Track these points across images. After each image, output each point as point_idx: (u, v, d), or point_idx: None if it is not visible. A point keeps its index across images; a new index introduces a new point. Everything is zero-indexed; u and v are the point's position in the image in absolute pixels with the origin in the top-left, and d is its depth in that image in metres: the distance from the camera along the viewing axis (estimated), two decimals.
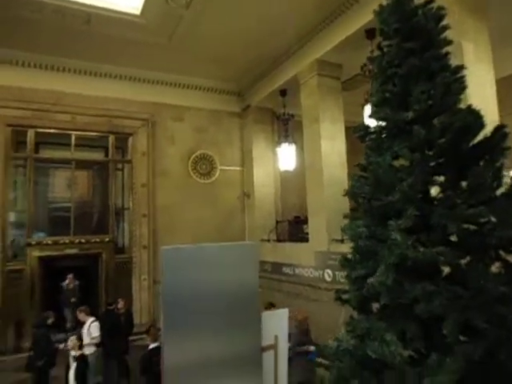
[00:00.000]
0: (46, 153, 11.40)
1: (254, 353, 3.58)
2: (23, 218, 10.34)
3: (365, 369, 2.58)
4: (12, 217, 10.14)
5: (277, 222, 11.43)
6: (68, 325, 9.39)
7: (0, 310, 9.01)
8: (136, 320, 9.42)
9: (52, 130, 10.25)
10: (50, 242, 9.80)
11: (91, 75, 10.30)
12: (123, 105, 10.65)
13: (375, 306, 2.81)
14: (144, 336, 5.01)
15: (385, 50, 3.25)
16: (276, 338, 3.94)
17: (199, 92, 11.68)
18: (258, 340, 3.64)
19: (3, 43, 8.96)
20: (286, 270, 9.50)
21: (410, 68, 2.94)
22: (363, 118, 7.12)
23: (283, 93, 10.70)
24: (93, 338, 5.94)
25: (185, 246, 3.88)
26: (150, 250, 10.58)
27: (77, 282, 9.89)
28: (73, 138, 10.46)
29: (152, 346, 4.63)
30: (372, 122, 3.32)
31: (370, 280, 2.62)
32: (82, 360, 4.83)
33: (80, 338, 5.67)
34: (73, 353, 5.08)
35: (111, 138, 10.94)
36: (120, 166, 12.04)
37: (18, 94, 9.54)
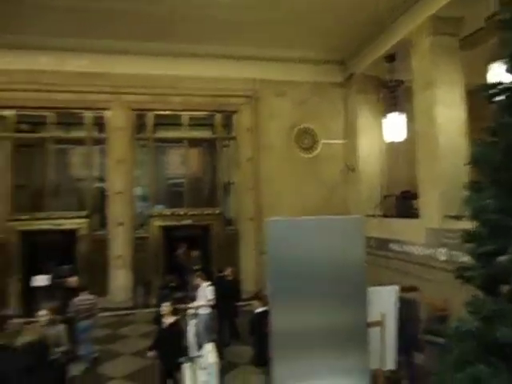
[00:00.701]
0: (163, 133, 12.57)
1: (358, 328, 3.54)
2: (146, 192, 11.72)
3: (491, 353, 2.35)
4: (138, 191, 11.54)
5: (383, 197, 10.87)
6: (188, 287, 10.40)
7: (132, 271, 10.49)
8: (244, 287, 10.04)
9: (167, 112, 11.22)
10: (168, 213, 10.94)
11: (202, 57, 10.87)
12: (228, 83, 11.08)
13: (505, 287, 2.51)
14: (251, 302, 5.30)
15: None
16: (383, 315, 3.83)
17: (301, 65, 11.49)
18: (364, 315, 3.58)
19: (133, 37, 9.94)
20: (392, 246, 9.05)
21: None
22: (486, 80, 6.21)
23: (391, 58, 9.89)
24: (208, 300, 6.55)
25: (289, 218, 3.97)
26: (256, 222, 11.05)
27: (197, 252, 10.72)
28: (185, 118, 11.31)
29: (260, 309, 4.91)
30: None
31: (501, 258, 2.33)
32: (173, 326, 4.99)
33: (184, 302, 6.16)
34: (192, 311, 5.69)
35: (217, 117, 11.54)
36: (227, 142, 12.67)
37: (142, 81, 10.59)
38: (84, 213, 10.66)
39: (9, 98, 10.18)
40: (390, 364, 3.91)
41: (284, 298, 3.44)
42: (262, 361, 4.30)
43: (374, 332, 3.73)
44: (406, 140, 9.72)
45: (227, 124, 12.36)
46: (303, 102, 11.64)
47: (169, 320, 5.12)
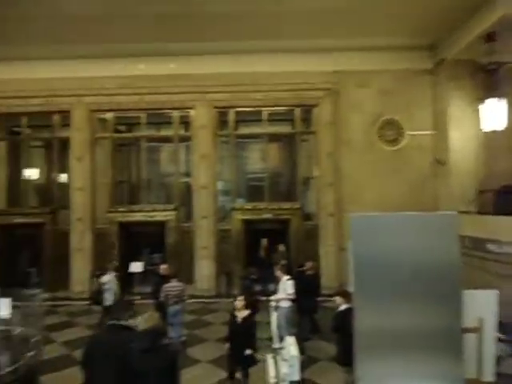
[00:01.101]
0: (243, 129, 12.93)
1: (453, 332, 3.30)
2: (228, 186, 12.22)
3: None
4: (220, 185, 12.05)
5: (478, 192, 9.90)
6: (267, 280, 10.60)
7: (215, 262, 11.03)
8: (324, 283, 9.94)
9: (248, 109, 11.52)
10: (249, 207, 11.25)
11: (280, 53, 10.94)
12: (307, 77, 10.99)
13: None
14: (333, 298, 5.21)
15: None
16: (481, 320, 3.52)
17: (384, 53, 10.92)
18: (459, 319, 3.33)
19: (214, 38, 10.39)
20: (490, 247, 8.21)
21: None
22: None
23: (490, 37, 8.91)
24: (288, 294, 6.63)
25: (374, 213, 3.81)
26: (336, 217, 10.85)
27: (282, 247, 10.73)
28: (265, 113, 11.50)
29: (344, 306, 4.81)
30: None
31: None
32: (246, 320, 5.03)
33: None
34: (273, 304, 5.82)
35: (297, 111, 11.52)
36: (306, 136, 12.60)
37: (223, 79, 11.03)
38: (172, 206, 11.45)
39: (107, 102, 11.33)
40: (489, 375, 3.59)
41: (370, 296, 3.34)
42: (346, 360, 4.20)
43: (470, 338, 3.45)
44: (508, 128, 8.73)
45: (307, 118, 12.28)
46: (387, 91, 11.07)
47: (242, 314, 5.16)
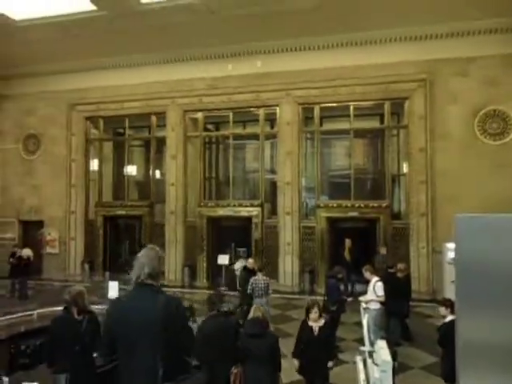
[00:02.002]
0: (329, 125, 12.70)
1: None
2: (311, 183, 12.12)
3: None
4: (303, 182, 12.01)
5: None
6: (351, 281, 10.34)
7: (299, 258, 11.06)
8: (414, 286, 9.38)
9: (333, 104, 11.28)
10: (334, 204, 11.03)
11: (366, 45, 10.54)
12: (398, 68, 10.39)
13: None
14: (436, 309, 4.90)
15: None
16: None
17: (487, 36, 9.90)
18: None
19: (297, 34, 10.42)
20: None
21: None
22: None
23: None
24: (378, 296, 6.36)
25: (484, 214, 3.47)
26: (429, 217, 10.13)
27: (384, 250, 9.95)
28: (351, 108, 11.15)
29: (450, 318, 4.48)
30: None
31: None
32: (322, 331, 4.59)
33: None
34: (364, 305, 5.65)
35: (387, 105, 10.95)
36: (395, 131, 11.94)
37: (308, 75, 10.97)
38: (257, 202, 11.73)
39: (198, 102, 12.00)
40: None
41: (475, 306, 3.05)
42: (454, 376, 3.91)
43: None
44: None
45: (396, 112, 11.64)
46: (491, 79, 9.97)
47: (318, 324, 4.69)
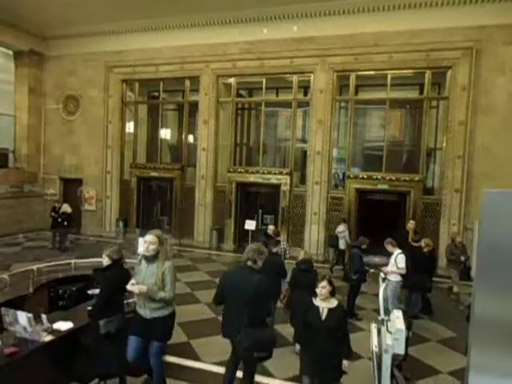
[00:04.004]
0: (364, 95, 12.27)
1: None
2: (343, 154, 11.92)
3: None
4: (335, 152, 11.84)
5: None
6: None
7: (325, 228, 11.11)
8: (442, 263, 9.27)
9: (370, 72, 10.84)
10: (365, 176, 10.85)
11: (407, 8, 9.94)
12: (442, 35, 9.79)
13: None
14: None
15: None
16: None
17: None
18: None
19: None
20: None
21: None
22: None
23: None
24: (398, 268, 6.37)
25: None
26: (463, 194, 9.81)
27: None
28: (388, 77, 10.69)
29: None
30: None
31: None
32: (337, 312, 3.67)
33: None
34: (382, 275, 5.69)
35: (428, 74, 10.40)
36: (435, 103, 11.40)
37: (345, 41, 10.59)
38: (286, 170, 11.73)
39: (231, 67, 11.89)
40: None
41: (496, 283, 3.03)
42: None
43: None
44: None
45: (438, 82, 11.06)
46: None
47: (329, 305, 3.72)
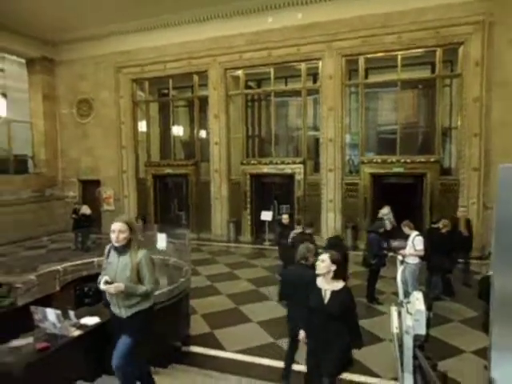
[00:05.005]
0: (374, 78, 12.08)
1: None
2: (356, 139, 11.80)
3: None
4: (348, 138, 11.73)
5: None
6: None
7: (342, 215, 11.07)
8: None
9: (379, 54, 10.66)
10: (379, 160, 10.74)
11: None
12: (451, 10, 9.53)
13: None
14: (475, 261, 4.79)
15: None
16: None
17: None
18: None
19: None
20: None
21: None
22: None
23: None
24: (416, 250, 6.33)
25: None
26: (481, 172, 9.62)
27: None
28: (399, 58, 10.49)
29: (491, 272, 4.41)
30: None
31: None
32: (343, 294, 3.35)
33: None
34: (400, 258, 5.68)
35: (438, 52, 10.16)
36: (448, 81, 11.14)
37: (351, 25, 10.42)
38: (300, 159, 11.70)
39: (238, 59, 11.87)
40: None
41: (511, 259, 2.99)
42: None
43: None
44: None
45: (450, 60, 10.80)
46: None
47: (333, 287, 3.35)
